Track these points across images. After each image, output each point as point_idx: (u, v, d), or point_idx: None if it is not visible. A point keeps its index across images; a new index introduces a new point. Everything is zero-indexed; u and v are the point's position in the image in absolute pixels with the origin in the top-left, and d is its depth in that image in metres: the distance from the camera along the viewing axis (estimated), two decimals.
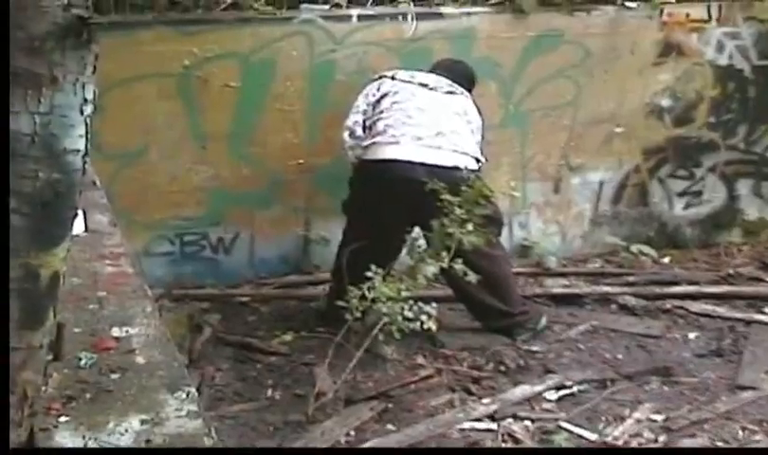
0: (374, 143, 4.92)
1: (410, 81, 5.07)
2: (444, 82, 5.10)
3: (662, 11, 6.13)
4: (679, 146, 6.51)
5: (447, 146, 4.84)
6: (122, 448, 2.06)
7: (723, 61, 6.37)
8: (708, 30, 6.27)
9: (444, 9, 5.77)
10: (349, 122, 5.09)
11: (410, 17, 5.65)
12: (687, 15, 6.20)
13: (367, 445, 4.17)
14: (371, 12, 5.66)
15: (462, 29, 5.72)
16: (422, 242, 4.59)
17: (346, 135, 5.10)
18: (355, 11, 5.61)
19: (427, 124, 4.88)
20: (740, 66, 6.41)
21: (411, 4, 5.70)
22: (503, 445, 4.23)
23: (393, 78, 5.11)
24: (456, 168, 4.75)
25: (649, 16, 6.12)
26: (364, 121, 5.05)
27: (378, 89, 5.10)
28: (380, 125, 4.95)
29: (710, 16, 6.24)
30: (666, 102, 6.35)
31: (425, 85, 5.05)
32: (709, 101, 6.45)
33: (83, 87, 1.79)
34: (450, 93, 5.06)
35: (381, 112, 4.99)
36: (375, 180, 4.90)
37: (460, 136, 4.93)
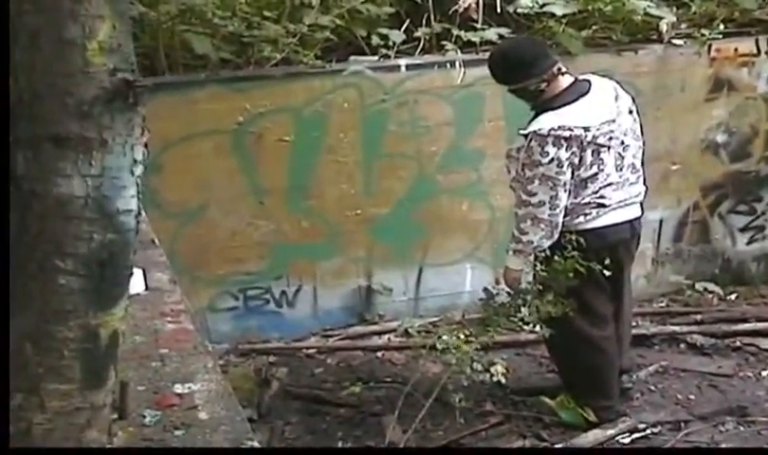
0: None
1: None
2: None
3: (710, 47, 6.06)
4: (737, 181, 6.41)
5: None
6: (123, 448, 2.07)
7: None
8: (758, 64, 6.19)
9: None
10: None
11: (458, 64, 5.65)
12: (736, 50, 6.12)
13: None
14: (419, 61, 5.68)
15: None
16: (500, 297, 4.54)
17: None
18: (403, 61, 5.63)
19: None
20: None
21: (459, 51, 5.70)
22: None
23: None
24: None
25: (698, 53, 6.06)
26: None
27: None
28: None
29: (759, 50, 6.16)
30: (721, 138, 6.27)
31: None
32: (765, 135, 6.36)
33: (132, 148, 1.83)
34: None
35: None
36: None
37: None
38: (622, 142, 4.32)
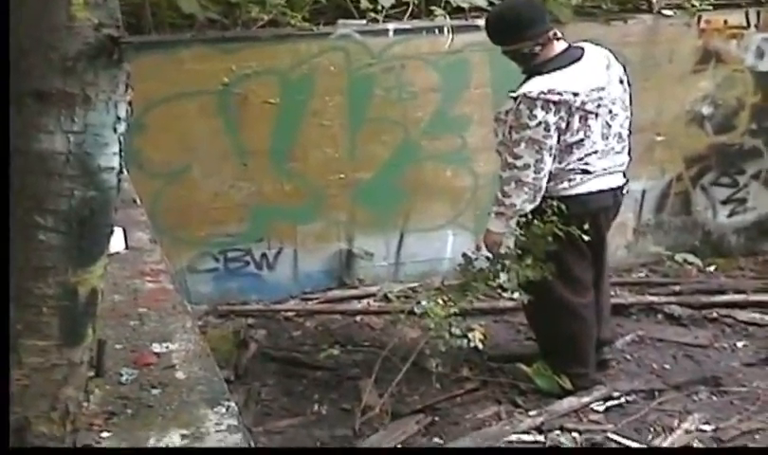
0: None
1: None
2: None
3: (699, 19, 6.07)
4: (721, 153, 6.45)
5: None
6: (123, 448, 2.08)
7: (764, 67, 6.30)
8: (747, 36, 6.21)
9: (480, 22, 5.71)
10: None
11: (446, 30, 5.64)
12: (725, 22, 6.15)
13: None
14: (407, 26, 5.66)
15: None
16: (479, 263, 4.55)
17: None
18: (391, 26, 5.61)
19: None
20: None
21: (448, 17, 5.68)
22: None
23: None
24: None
25: (687, 24, 6.07)
26: None
27: None
28: None
29: (749, 22, 6.18)
30: (706, 110, 6.30)
31: None
32: (750, 108, 6.39)
33: (116, 106, 1.81)
34: None
35: None
36: None
37: None
38: (610, 111, 4.34)
